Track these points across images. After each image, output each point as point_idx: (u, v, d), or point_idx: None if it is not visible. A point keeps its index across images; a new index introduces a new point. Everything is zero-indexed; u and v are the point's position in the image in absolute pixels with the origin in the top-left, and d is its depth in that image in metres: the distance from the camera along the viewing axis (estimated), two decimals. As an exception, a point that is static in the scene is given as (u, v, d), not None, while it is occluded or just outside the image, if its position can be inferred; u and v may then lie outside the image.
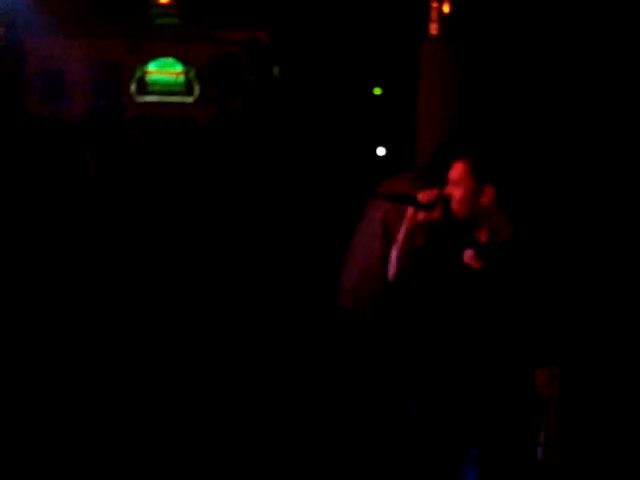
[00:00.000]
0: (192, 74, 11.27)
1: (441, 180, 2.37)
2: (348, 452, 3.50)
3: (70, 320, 5.18)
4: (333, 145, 7.63)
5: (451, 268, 2.44)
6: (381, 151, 8.32)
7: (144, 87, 11.39)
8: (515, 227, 2.39)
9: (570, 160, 6.66)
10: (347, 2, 8.14)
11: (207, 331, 5.23)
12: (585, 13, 6.61)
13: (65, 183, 7.63)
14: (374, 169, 7.42)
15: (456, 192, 2.35)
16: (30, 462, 3.57)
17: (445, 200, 2.38)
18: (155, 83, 11.41)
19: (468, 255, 2.40)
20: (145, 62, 11.48)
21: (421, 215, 2.39)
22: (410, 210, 2.46)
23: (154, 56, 11.42)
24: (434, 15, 6.58)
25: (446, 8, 6.61)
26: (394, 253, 2.51)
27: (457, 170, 2.34)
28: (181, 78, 11.36)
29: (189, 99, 11.25)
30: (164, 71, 11.43)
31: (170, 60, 11.45)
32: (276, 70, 8.75)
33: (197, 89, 11.31)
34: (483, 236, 2.39)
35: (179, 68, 11.36)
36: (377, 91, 8.84)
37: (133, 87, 11.37)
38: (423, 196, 2.42)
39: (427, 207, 2.40)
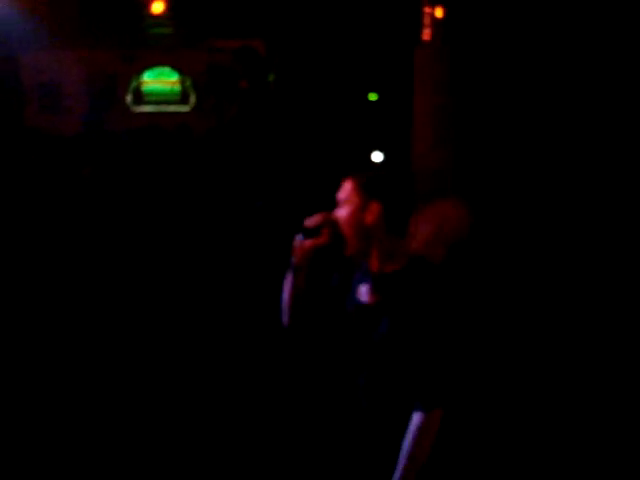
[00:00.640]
0: (188, 83, 11.28)
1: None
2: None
3: (71, 324, 5.20)
4: (329, 151, 7.68)
5: (345, 306, 2.20)
6: (378, 157, 8.36)
7: (140, 97, 11.41)
8: (410, 257, 2.13)
9: (565, 161, 6.70)
10: (340, 10, 8.20)
11: (207, 334, 5.25)
12: (580, 15, 6.64)
13: (61, 192, 7.65)
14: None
15: (342, 212, 2.15)
16: (30, 462, 3.58)
17: (332, 223, 2.17)
18: (151, 93, 11.42)
19: (362, 291, 2.16)
20: (140, 72, 11.49)
21: (308, 243, 2.19)
22: (296, 240, 2.23)
23: (149, 66, 11.44)
24: (427, 20, 6.63)
25: (439, 13, 6.66)
26: (284, 295, 2.26)
27: (345, 188, 2.15)
28: (177, 87, 11.38)
29: (185, 108, 11.26)
30: (160, 81, 11.44)
31: (166, 69, 11.47)
32: (271, 77, 8.79)
33: (193, 98, 11.33)
34: (374, 265, 2.16)
35: (175, 77, 11.38)
36: (372, 97, 8.87)
37: (129, 97, 11.39)
38: (309, 221, 2.22)
39: (313, 233, 2.19)
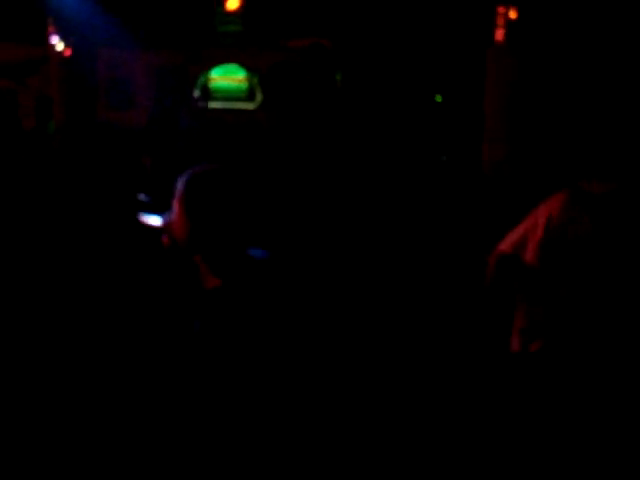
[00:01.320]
0: (255, 81, 11.40)
1: None
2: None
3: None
4: (395, 152, 7.65)
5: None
6: (443, 158, 8.30)
7: (207, 94, 11.58)
8: None
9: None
10: (411, 9, 8.15)
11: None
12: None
13: (125, 183, 7.82)
14: (437, 176, 7.41)
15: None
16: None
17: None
18: (218, 90, 11.59)
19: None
20: (208, 69, 11.67)
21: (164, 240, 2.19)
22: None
23: (217, 63, 11.61)
24: (500, 21, 6.55)
25: (513, 14, 6.56)
26: None
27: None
28: (244, 85, 11.51)
29: (251, 106, 11.38)
30: (227, 78, 11.60)
31: (233, 67, 11.62)
32: (338, 77, 8.81)
33: (259, 96, 11.44)
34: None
35: (242, 75, 11.52)
36: (439, 98, 8.80)
37: (197, 93, 11.58)
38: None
39: (161, 232, 2.20)
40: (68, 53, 9.55)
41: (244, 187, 2.11)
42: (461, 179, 7.03)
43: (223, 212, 2.06)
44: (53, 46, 9.56)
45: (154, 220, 2.24)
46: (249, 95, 11.41)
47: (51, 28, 9.64)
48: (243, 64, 11.46)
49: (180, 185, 2.06)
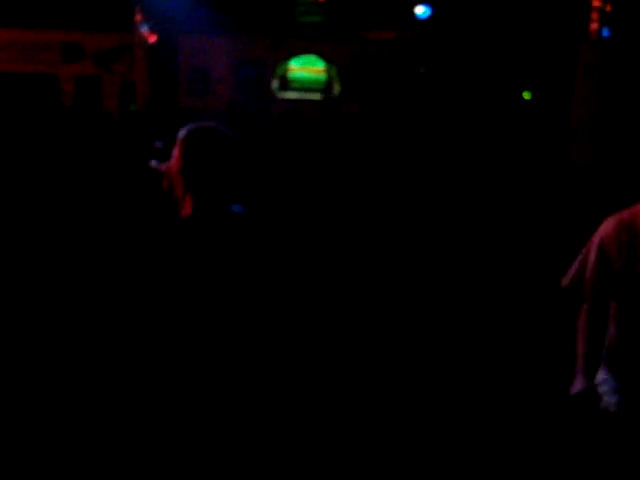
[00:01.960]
0: (333, 72, 11.36)
1: None
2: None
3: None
4: (479, 148, 7.48)
5: None
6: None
7: (286, 84, 11.61)
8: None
9: None
10: (498, 5, 7.95)
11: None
12: None
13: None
14: (522, 173, 7.21)
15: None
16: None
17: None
18: (296, 80, 11.59)
19: None
20: (288, 59, 11.69)
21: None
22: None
23: (297, 54, 11.61)
24: (595, 15, 6.30)
25: (608, 8, 6.31)
26: None
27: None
28: (322, 76, 11.48)
29: (329, 97, 11.35)
30: (306, 68, 11.59)
31: (312, 58, 11.60)
32: (422, 70, 8.68)
33: (337, 87, 11.40)
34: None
35: (321, 66, 11.49)
36: (526, 95, 8.53)
37: (275, 83, 11.61)
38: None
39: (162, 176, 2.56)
40: (152, 40, 9.72)
41: (235, 147, 2.46)
42: (544, 180, 6.83)
43: (212, 160, 2.41)
44: (138, 34, 9.74)
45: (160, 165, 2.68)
46: (327, 86, 11.38)
47: (137, 16, 9.82)
48: (322, 55, 11.43)
49: (181, 134, 2.40)
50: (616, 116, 6.21)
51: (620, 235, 2.31)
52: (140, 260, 2.53)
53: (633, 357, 2.31)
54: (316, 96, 11.40)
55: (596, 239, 2.38)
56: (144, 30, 9.52)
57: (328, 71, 11.42)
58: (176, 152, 2.42)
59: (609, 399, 2.33)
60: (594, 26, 6.23)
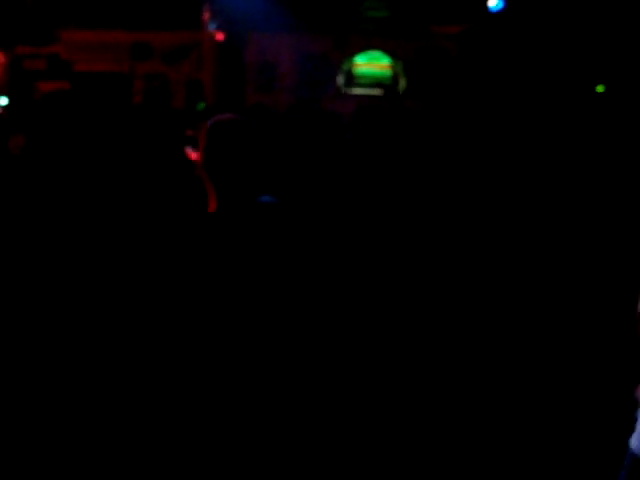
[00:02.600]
0: (399, 67, 11.30)
1: None
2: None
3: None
4: (551, 143, 7.32)
5: None
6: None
7: (351, 79, 11.61)
8: None
9: None
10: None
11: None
12: None
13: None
14: (596, 167, 7.01)
15: None
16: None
17: None
18: (362, 76, 11.58)
19: None
20: (353, 55, 11.69)
21: None
22: None
23: (362, 49, 11.60)
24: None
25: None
26: None
27: None
28: (388, 71, 11.44)
29: (395, 92, 11.30)
30: (371, 64, 11.57)
31: (377, 53, 11.57)
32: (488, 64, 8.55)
33: (403, 82, 11.34)
34: None
35: (386, 61, 11.45)
36: (600, 89, 8.27)
37: (340, 79, 11.62)
38: None
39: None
40: (220, 38, 9.85)
41: (258, 139, 2.47)
42: (619, 175, 6.65)
43: (236, 153, 2.42)
44: (207, 32, 9.89)
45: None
46: (393, 82, 11.33)
47: (205, 15, 9.97)
48: (388, 50, 11.38)
49: (207, 125, 2.44)
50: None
51: None
52: (173, 252, 2.53)
53: None
54: (381, 92, 11.36)
55: None
56: (212, 28, 9.66)
57: (394, 66, 11.37)
58: (199, 146, 2.44)
59: None
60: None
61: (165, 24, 12.13)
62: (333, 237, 6.99)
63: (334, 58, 11.72)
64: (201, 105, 10.41)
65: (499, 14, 8.60)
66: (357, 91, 11.44)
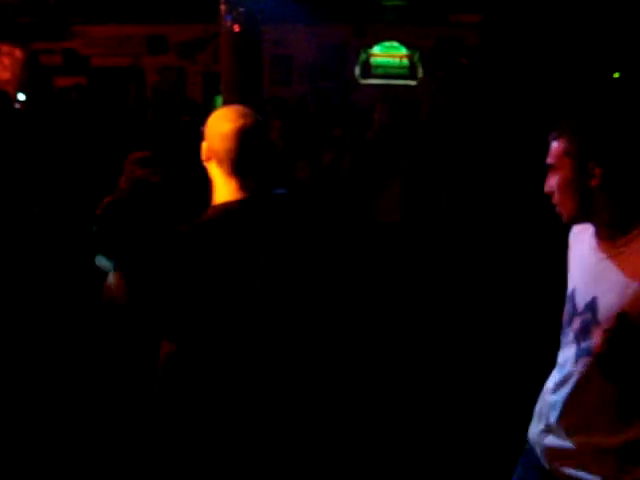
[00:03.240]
0: (416, 57, 11.19)
1: None
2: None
3: None
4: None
5: None
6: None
7: (368, 70, 11.51)
8: None
9: None
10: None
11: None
12: None
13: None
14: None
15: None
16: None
17: None
18: (379, 66, 11.48)
19: None
20: (370, 45, 11.58)
21: None
22: None
23: (380, 39, 11.49)
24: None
25: None
26: None
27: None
28: (405, 61, 11.33)
29: (412, 82, 11.19)
30: (388, 54, 11.46)
31: (394, 43, 11.46)
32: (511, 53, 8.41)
33: (420, 72, 11.23)
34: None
35: (403, 51, 11.34)
36: (616, 75, 8.14)
37: (357, 70, 11.53)
38: None
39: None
40: (237, 30, 9.75)
41: (264, 129, 2.49)
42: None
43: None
44: (223, 24, 9.79)
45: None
46: (410, 72, 11.22)
47: (222, 6, 9.86)
48: (406, 40, 11.27)
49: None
50: None
51: None
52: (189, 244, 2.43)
53: None
54: (399, 82, 11.24)
55: None
56: (228, 20, 9.57)
57: (411, 56, 11.25)
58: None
59: None
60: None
61: (181, 17, 12.08)
62: (348, 230, 6.92)
63: (351, 49, 11.63)
64: (218, 99, 10.36)
65: (520, 1, 8.46)
66: (374, 81, 11.35)
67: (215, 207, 2.51)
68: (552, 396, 2.14)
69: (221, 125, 2.44)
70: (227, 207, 2.48)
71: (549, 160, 2.09)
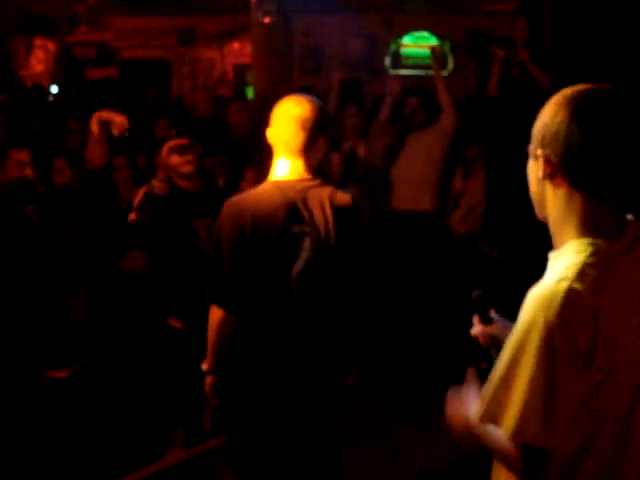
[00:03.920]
0: (447, 47, 11.11)
1: None
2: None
3: None
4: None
5: None
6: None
7: (398, 60, 11.45)
8: None
9: None
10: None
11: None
12: None
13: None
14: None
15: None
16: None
17: None
18: (409, 56, 11.41)
19: None
20: (400, 36, 11.52)
21: None
22: None
23: (409, 29, 11.42)
24: None
25: None
26: None
27: None
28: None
29: (443, 73, 11.09)
30: (418, 44, 11.38)
31: (425, 33, 11.38)
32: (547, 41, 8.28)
33: (451, 63, 11.15)
34: None
35: (434, 41, 11.25)
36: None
37: (387, 61, 11.48)
38: None
39: None
40: (267, 20, 9.78)
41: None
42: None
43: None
44: (254, 15, 9.82)
45: None
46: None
47: (253, -3, 9.90)
48: (436, 29, 11.18)
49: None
50: None
51: None
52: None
53: None
54: (429, 72, 11.16)
55: None
56: (259, 12, 9.60)
57: (441, 46, 11.16)
58: None
59: None
60: None
61: (210, 8, 12.13)
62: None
63: (380, 39, 11.58)
64: (249, 90, 10.39)
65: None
66: (404, 72, 11.28)
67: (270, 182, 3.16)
68: None
69: (287, 111, 2.97)
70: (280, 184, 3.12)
71: None
